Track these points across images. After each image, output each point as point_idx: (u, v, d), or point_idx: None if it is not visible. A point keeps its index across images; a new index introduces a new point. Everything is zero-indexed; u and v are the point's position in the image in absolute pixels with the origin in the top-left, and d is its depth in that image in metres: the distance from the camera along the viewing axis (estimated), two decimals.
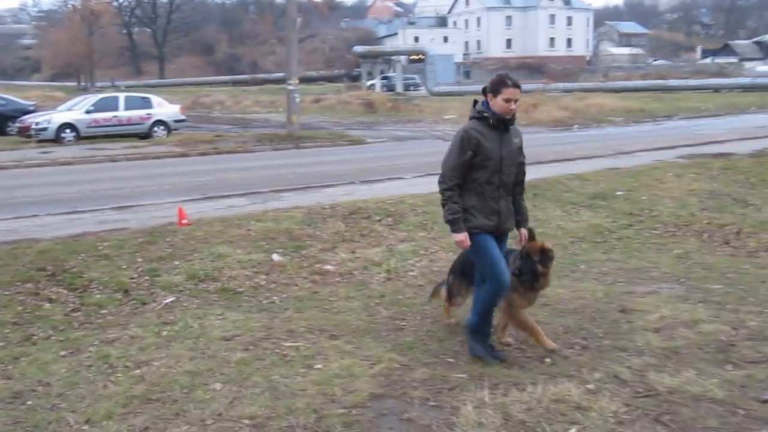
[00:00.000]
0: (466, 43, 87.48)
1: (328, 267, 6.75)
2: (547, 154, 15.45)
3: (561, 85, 51.82)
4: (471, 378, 4.06)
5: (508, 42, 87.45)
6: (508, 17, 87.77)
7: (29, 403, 3.94)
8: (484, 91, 4.32)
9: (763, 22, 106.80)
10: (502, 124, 4.24)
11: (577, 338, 4.79)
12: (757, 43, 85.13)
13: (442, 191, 4.27)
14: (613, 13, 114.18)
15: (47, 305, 5.76)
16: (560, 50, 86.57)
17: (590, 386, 3.90)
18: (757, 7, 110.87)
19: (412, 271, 6.68)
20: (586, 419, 3.50)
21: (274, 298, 5.94)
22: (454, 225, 4.22)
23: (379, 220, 8.50)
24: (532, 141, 19.93)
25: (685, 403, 3.67)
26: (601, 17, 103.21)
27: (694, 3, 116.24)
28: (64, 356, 4.67)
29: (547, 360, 4.38)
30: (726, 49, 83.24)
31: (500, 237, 4.38)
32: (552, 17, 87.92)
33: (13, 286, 6.12)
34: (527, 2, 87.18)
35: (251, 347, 4.66)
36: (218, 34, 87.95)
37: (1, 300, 5.81)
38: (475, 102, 4.37)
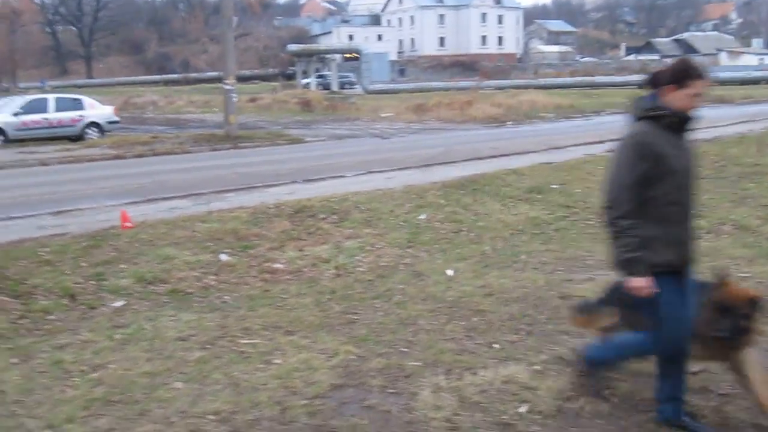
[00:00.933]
0: (400, 41, 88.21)
1: (278, 265, 6.84)
2: (484, 150, 15.89)
3: (493, 82, 52.99)
4: (426, 365, 4.26)
5: (441, 40, 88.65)
6: (441, 15, 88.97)
7: None
8: (654, 83, 3.33)
9: (682, 21, 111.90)
10: (683, 125, 3.25)
11: (522, 324, 5.05)
12: (676, 40, 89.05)
13: (614, 220, 3.21)
14: (541, 12, 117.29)
15: None
16: (492, 48, 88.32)
17: (537, 367, 4.16)
18: (675, 7, 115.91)
19: (360, 266, 6.83)
20: (535, 397, 3.74)
21: (226, 297, 5.99)
22: (635, 266, 3.15)
23: (325, 218, 8.62)
24: (469, 138, 20.43)
25: (623, 379, 3.94)
26: (531, 16, 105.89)
27: (618, 2, 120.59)
28: (15, 363, 4.61)
29: (496, 345, 4.61)
30: (648, 47, 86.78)
31: (684, 272, 3.33)
32: (483, 16, 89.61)
33: None
34: (459, 1, 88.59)
35: (208, 346, 4.72)
36: (148, 33, 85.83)
37: None
38: (640, 98, 3.38)
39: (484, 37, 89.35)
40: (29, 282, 6.28)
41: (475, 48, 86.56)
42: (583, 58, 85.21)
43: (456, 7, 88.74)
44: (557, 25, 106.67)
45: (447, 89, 43.37)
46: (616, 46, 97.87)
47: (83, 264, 6.80)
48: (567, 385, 3.85)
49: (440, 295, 5.79)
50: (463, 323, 5.07)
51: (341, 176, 12.29)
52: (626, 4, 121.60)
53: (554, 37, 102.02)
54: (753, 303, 3.30)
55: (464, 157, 14.67)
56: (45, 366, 4.53)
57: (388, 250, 7.30)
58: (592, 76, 56.25)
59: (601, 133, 19.14)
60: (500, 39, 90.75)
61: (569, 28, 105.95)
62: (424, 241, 7.70)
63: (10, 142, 19.26)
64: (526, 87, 45.51)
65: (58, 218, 9.21)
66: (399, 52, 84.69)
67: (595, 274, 6.33)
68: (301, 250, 7.27)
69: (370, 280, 6.33)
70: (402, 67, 79.15)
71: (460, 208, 9.33)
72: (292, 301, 5.74)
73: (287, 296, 5.91)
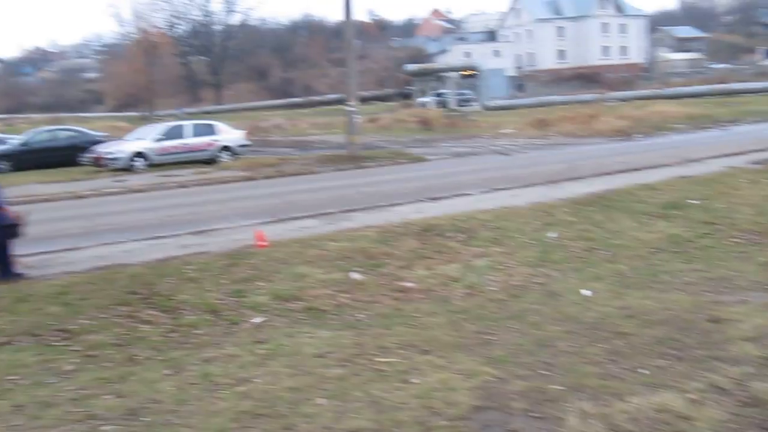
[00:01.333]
0: (518, 56, 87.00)
1: (408, 284, 6.87)
2: (612, 165, 15.28)
3: (618, 94, 50.95)
4: (569, 389, 4.10)
5: (561, 53, 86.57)
6: (560, 28, 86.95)
7: (145, 419, 4.16)
8: None
9: None
10: None
11: (669, 349, 4.77)
12: None
13: None
14: (667, 18, 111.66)
15: (144, 327, 6.03)
16: (615, 59, 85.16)
17: (692, 396, 3.89)
18: None
19: (492, 286, 6.74)
20: (693, 429, 3.50)
21: (359, 315, 6.08)
22: None
23: (452, 237, 8.58)
24: (595, 152, 19.74)
25: None
26: (656, 23, 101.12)
27: (754, 3, 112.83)
28: (168, 375, 4.90)
29: (643, 371, 4.37)
30: None
31: None
32: (605, 26, 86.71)
33: (110, 309, 6.42)
34: (579, 12, 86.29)
35: (346, 363, 4.80)
36: (271, 59, 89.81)
37: (102, 323, 6.11)
38: None
39: (606, 48, 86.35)
40: (176, 298, 6.68)
41: (596, 59, 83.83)
42: (715, 64, 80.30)
43: (575, 18, 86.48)
44: (685, 31, 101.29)
45: (569, 103, 42.27)
46: (752, 50, 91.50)
47: (224, 281, 7.15)
48: (729, 416, 3.58)
49: (578, 315, 5.59)
50: (604, 346, 4.86)
51: (466, 194, 12.21)
52: (763, 4, 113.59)
53: (682, 44, 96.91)
54: None
55: (591, 173, 14.17)
56: (195, 378, 4.77)
57: (519, 269, 7.16)
58: (726, 83, 52.82)
59: (741, 143, 17.92)
60: (623, 49, 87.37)
61: (698, 33, 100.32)
62: (556, 260, 7.48)
63: (152, 166, 20.72)
64: (653, 97, 43.45)
65: (199, 237, 9.74)
66: (517, 67, 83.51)
67: (748, 296, 5.89)
68: (430, 269, 7.28)
69: (502, 300, 6.22)
70: (520, 83, 77.99)
71: (592, 225, 9.01)
72: (425, 320, 5.74)
73: (420, 315, 5.92)
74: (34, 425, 4.14)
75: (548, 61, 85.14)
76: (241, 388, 4.49)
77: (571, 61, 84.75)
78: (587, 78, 71.46)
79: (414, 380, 4.39)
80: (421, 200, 11.79)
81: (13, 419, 4.24)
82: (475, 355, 4.84)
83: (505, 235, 8.54)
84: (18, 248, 8.06)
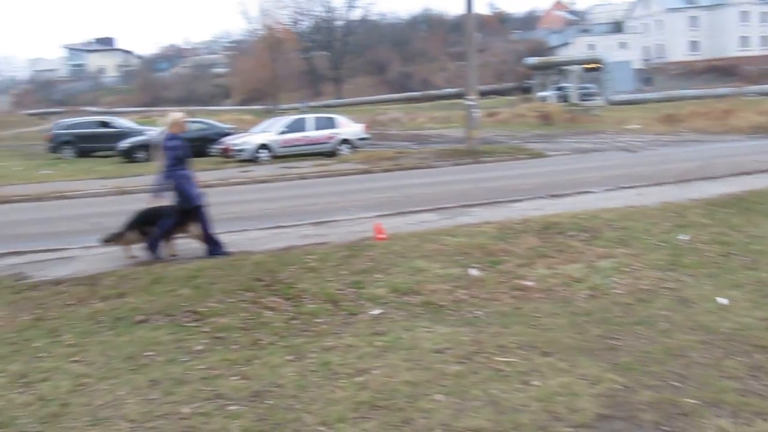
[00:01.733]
0: (646, 48, 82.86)
1: (528, 283, 6.70)
2: (752, 164, 14.22)
3: (757, 87, 47.43)
4: (705, 404, 3.84)
5: (693, 44, 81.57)
6: (693, 18, 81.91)
7: (269, 402, 4.30)
8: None
9: None
10: None
11: None
12: None
13: None
14: None
15: (267, 313, 6.24)
16: (755, 50, 79.18)
17: None
18: None
19: (617, 288, 6.43)
20: None
21: (478, 312, 6.00)
22: None
23: (574, 236, 8.29)
24: (732, 150, 18.47)
25: None
26: None
27: None
28: (290, 361, 5.04)
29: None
30: None
31: None
32: (744, 14, 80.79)
33: (236, 294, 6.70)
34: (714, 0, 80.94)
35: (464, 361, 4.74)
36: (390, 54, 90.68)
37: (228, 307, 6.39)
38: None
39: (744, 38, 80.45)
40: (298, 286, 6.86)
41: (733, 51, 78.32)
42: None
43: (710, 7, 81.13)
44: None
45: (701, 97, 39.81)
46: None
47: (343, 272, 7.27)
48: None
49: (713, 325, 5.23)
50: (744, 360, 4.51)
51: (588, 192, 11.78)
52: None
53: None
54: None
55: (728, 172, 13.25)
56: (315, 366, 4.88)
57: (647, 273, 6.79)
58: None
59: None
60: (765, 39, 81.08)
61: None
62: (688, 264, 7.04)
63: (275, 157, 21.51)
64: None
65: (319, 228, 9.99)
66: (644, 60, 79.59)
67: None
68: (551, 268, 7.06)
69: (629, 304, 5.93)
70: (648, 76, 74.29)
71: (729, 228, 8.41)
72: (545, 321, 5.57)
73: (540, 315, 5.75)
74: (167, 400, 4.39)
75: (679, 53, 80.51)
76: (360, 379, 4.54)
77: (705, 53, 79.70)
78: (723, 70, 67.02)
79: (535, 382, 4.27)
80: (541, 197, 11.49)
81: (150, 393, 4.52)
82: (599, 360, 4.63)
83: (632, 235, 8.14)
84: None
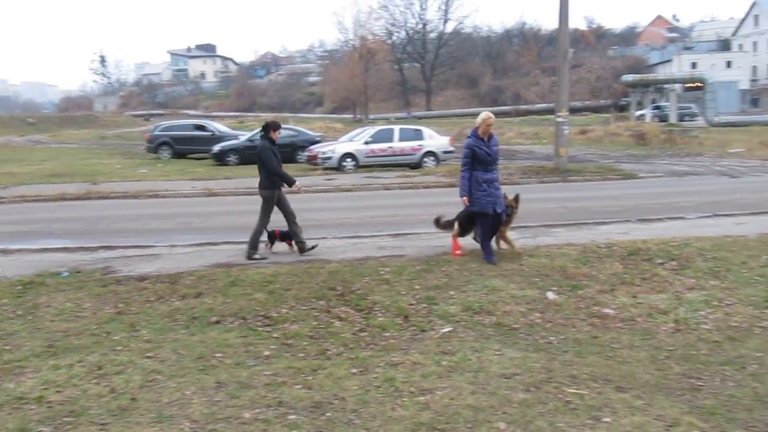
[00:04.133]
0: (754, 67, 78.62)
1: (608, 311, 6.39)
2: None
3: None
4: None
5: None
6: None
7: (328, 414, 4.26)
8: None
9: None
10: None
11: None
12: None
13: None
14: None
15: (337, 323, 6.23)
16: None
17: None
18: None
19: (705, 323, 6.03)
20: None
21: (551, 338, 5.76)
22: None
23: (662, 264, 7.87)
24: None
25: None
26: None
27: None
28: (354, 374, 4.99)
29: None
30: None
31: None
32: None
33: (309, 302, 6.74)
34: None
35: (532, 389, 4.55)
36: (482, 67, 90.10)
37: (300, 314, 6.43)
38: None
39: None
40: (370, 298, 6.83)
41: None
42: None
43: None
44: None
45: None
46: None
47: (416, 286, 7.19)
48: None
49: None
50: None
51: (681, 218, 11.18)
52: None
53: None
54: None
55: None
56: (379, 381, 4.80)
57: (741, 308, 6.34)
58: None
59: None
60: None
61: None
62: None
63: (360, 167, 21.69)
64: None
65: (397, 240, 9.94)
66: (752, 80, 75.54)
67: None
68: (634, 297, 6.71)
69: (717, 342, 5.54)
70: (755, 97, 70.39)
71: None
72: (623, 353, 5.28)
73: (618, 346, 5.46)
74: (231, 404, 4.43)
75: None
76: (422, 399, 4.43)
77: None
78: None
79: (606, 419, 4.03)
80: (629, 220, 11.00)
81: (216, 395, 4.58)
82: (679, 401, 4.33)
83: (726, 267, 7.64)
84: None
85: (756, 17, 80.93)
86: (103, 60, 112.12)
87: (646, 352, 5.29)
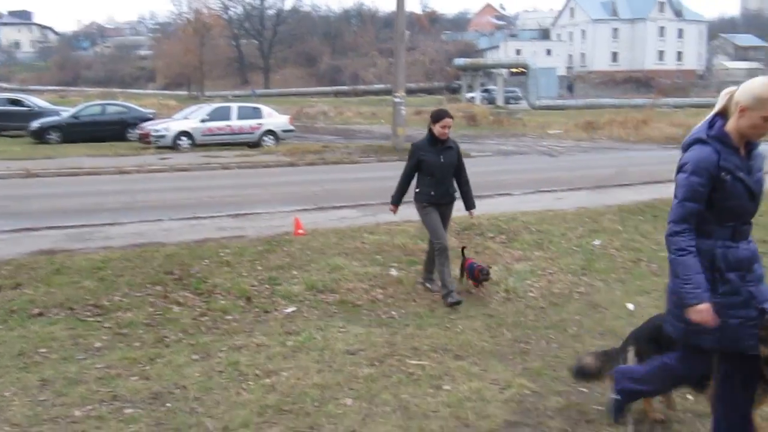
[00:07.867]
0: (570, 56, 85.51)
1: None
2: (663, 173, 14.75)
3: (671, 100, 49.77)
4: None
5: (614, 55, 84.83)
6: (615, 29, 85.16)
7: (168, 405, 4.07)
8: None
9: None
10: None
11: None
12: None
13: None
14: (728, 25, 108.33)
15: (176, 308, 5.97)
16: (670, 64, 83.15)
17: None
18: None
19: (532, 292, 6.50)
20: None
21: (393, 312, 5.92)
22: None
23: (493, 238, 8.36)
24: (645, 159, 19.20)
25: None
26: (716, 29, 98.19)
27: None
28: (196, 360, 4.81)
29: (689, 397, 4.12)
30: None
31: None
32: (662, 29, 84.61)
33: (144, 288, 6.39)
34: (635, 14, 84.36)
35: (376, 363, 4.65)
36: (321, 46, 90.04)
37: (134, 301, 6.07)
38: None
39: (661, 52, 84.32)
40: (210, 281, 6.60)
41: (651, 64, 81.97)
42: None
43: (632, 20, 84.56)
44: (746, 39, 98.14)
45: (619, 106, 41.40)
46: None
47: (259, 267, 7.05)
48: None
49: (621, 330, 5.31)
50: None
51: (508, 194, 11.94)
52: None
53: (742, 53, 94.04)
54: None
55: (641, 180, 13.74)
56: (222, 366, 4.67)
57: (561, 276, 6.91)
58: None
59: None
60: (679, 54, 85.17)
61: (760, 42, 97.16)
62: (600, 269, 7.20)
63: (196, 146, 20.89)
64: (709, 105, 42.17)
65: (237, 221, 9.69)
66: (568, 68, 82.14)
67: None
68: None
69: (542, 308, 5.99)
70: (571, 83, 76.72)
71: (639, 235, 8.68)
72: (460, 324, 5.55)
73: (455, 317, 5.74)
74: (59, 402, 4.10)
75: (601, 63, 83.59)
76: (268, 381, 4.37)
77: (624, 64, 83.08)
78: (640, 82, 70.02)
79: (446, 387, 4.22)
80: None
81: (40, 394, 4.21)
82: (511, 364, 4.64)
83: (548, 239, 8.27)
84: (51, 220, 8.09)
85: (572, 9, 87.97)
86: None
87: (481, 322, 5.60)
